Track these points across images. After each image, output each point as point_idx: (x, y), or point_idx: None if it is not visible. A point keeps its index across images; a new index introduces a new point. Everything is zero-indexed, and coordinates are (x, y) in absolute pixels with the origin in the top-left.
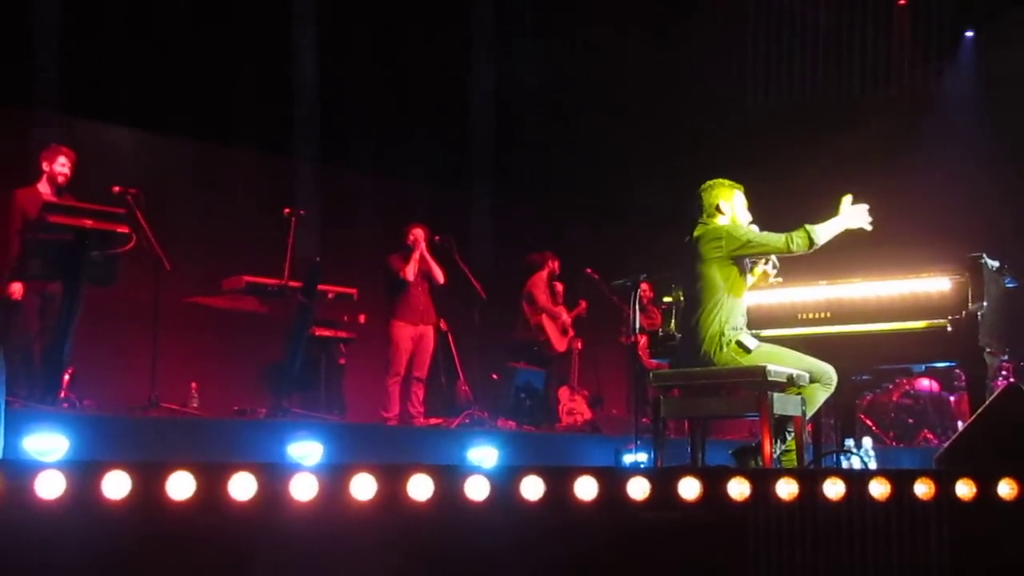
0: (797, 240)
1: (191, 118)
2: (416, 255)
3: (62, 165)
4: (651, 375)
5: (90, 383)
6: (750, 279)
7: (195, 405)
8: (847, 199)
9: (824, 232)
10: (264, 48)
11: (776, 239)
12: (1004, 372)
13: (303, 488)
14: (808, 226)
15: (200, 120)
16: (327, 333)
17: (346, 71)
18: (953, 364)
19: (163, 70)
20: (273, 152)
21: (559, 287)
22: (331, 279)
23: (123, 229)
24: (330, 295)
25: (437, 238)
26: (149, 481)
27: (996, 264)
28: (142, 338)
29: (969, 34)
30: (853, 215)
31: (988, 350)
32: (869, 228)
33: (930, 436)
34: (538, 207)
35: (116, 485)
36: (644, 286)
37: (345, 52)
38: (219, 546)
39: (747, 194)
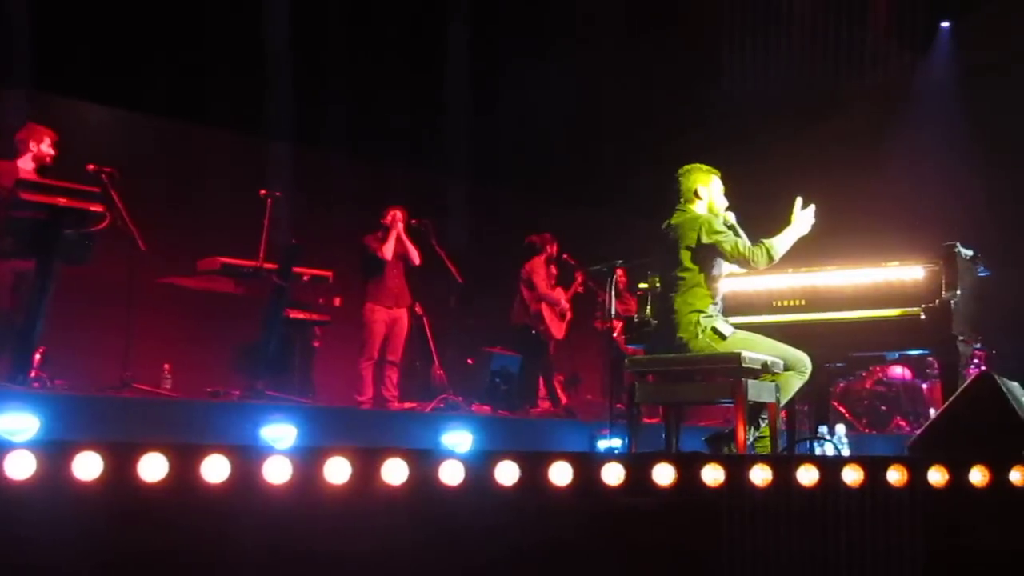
0: (759, 256)
1: (167, 97)
2: (393, 234)
3: (48, 146)
4: (626, 361)
5: (62, 363)
6: (726, 267)
7: (168, 386)
8: (798, 203)
9: (781, 246)
10: (241, 27)
11: (743, 249)
12: (976, 360)
13: (277, 471)
14: (767, 242)
15: (176, 100)
16: (302, 315)
17: (322, 52)
18: (926, 352)
19: (138, 48)
20: (250, 133)
21: (554, 270)
22: (307, 261)
23: (97, 208)
24: (305, 277)
25: (415, 221)
26: (121, 462)
27: (970, 253)
28: (115, 318)
29: (945, 25)
30: (803, 221)
31: (961, 338)
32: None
33: (903, 423)
34: (515, 192)
35: (87, 466)
36: (619, 272)
37: (321, 33)
38: (192, 528)
39: (724, 180)
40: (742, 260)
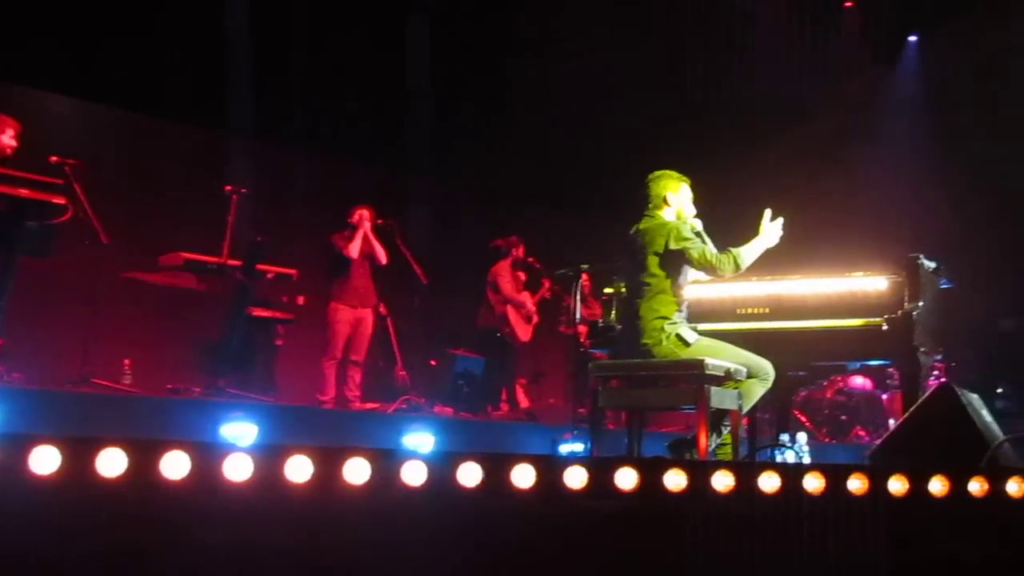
0: (726, 264)
1: (132, 90)
2: (360, 234)
3: (11, 137)
4: (590, 365)
5: (21, 356)
6: (692, 274)
7: (128, 382)
8: (767, 215)
9: (748, 256)
10: (206, 22)
11: (710, 256)
12: (936, 372)
13: (237, 468)
14: (735, 251)
15: (141, 93)
16: (265, 313)
17: (286, 49)
18: (887, 362)
19: (103, 39)
20: (216, 128)
21: (522, 275)
22: (271, 259)
23: (60, 200)
24: (270, 275)
25: (381, 221)
26: (79, 456)
27: (933, 265)
28: (76, 312)
29: (913, 38)
30: (771, 233)
31: (922, 349)
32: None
33: (862, 433)
34: (480, 194)
35: (44, 460)
36: (585, 277)
37: (285, 29)
38: (150, 524)
39: (692, 187)
40: (709, 268)
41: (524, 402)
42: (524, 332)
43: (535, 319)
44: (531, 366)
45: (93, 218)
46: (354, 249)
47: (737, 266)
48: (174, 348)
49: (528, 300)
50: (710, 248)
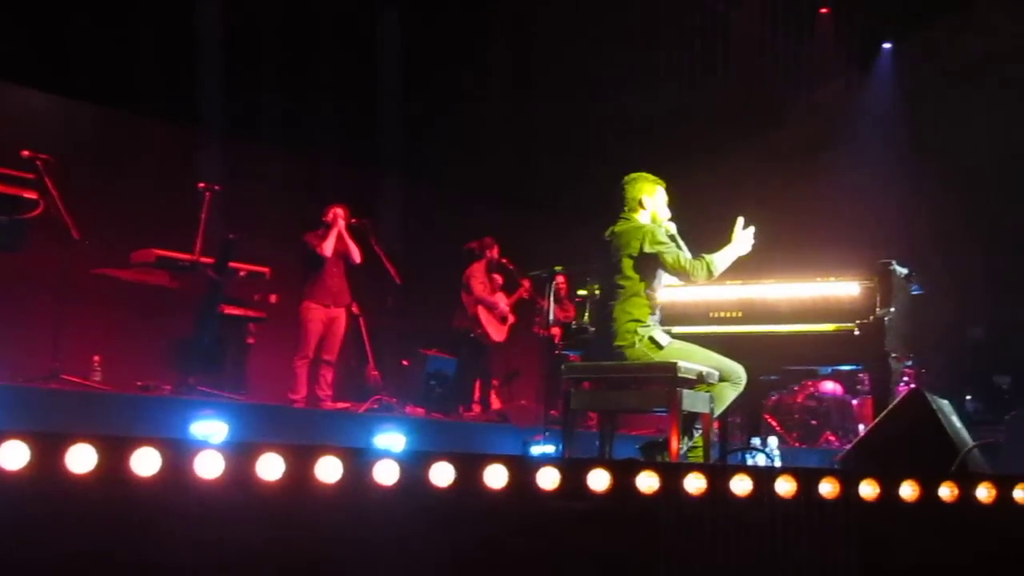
0: (699, 270)
1: (104, 86)
2: (334, 232)
3: None
4: (563, 367)
5: None
6: (666, 278)
7: (97, 379)
8: (739, 223)
9: (721, 263)
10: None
11: (684, 262)
12: (907, 377)
13: (208, 465)
14: (708, 257)
15: (113, 89)
16: (237, 311)
17: (259, 47)
18: (859, 368)
19: (75, 35)
20: (188, 126)
21: (498, 276)
22: (243, 257)
23: (31, 195)
24: (242, 273)
25: (355, 220)
26: (48, 452)
27: (905, 271)
28: (46, 308)
29: (887, 45)
30: (743, 241)
31: (893, 355)
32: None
33: (832, 438)
34: (454, 194)
35: (13, 455)
36: (560, 278)
37: (259, 29)
38: (120, 521)
39: (667, 191)
40: (682, 273)
41: (496, 403)
42: (497, 333)
43: (510, 320)
44: (504, 367)
45: (65, 214)
46: (328, 248)
47: (710, 272)
48: (145, 345)
49: (502, 301)
50: (684, 254)
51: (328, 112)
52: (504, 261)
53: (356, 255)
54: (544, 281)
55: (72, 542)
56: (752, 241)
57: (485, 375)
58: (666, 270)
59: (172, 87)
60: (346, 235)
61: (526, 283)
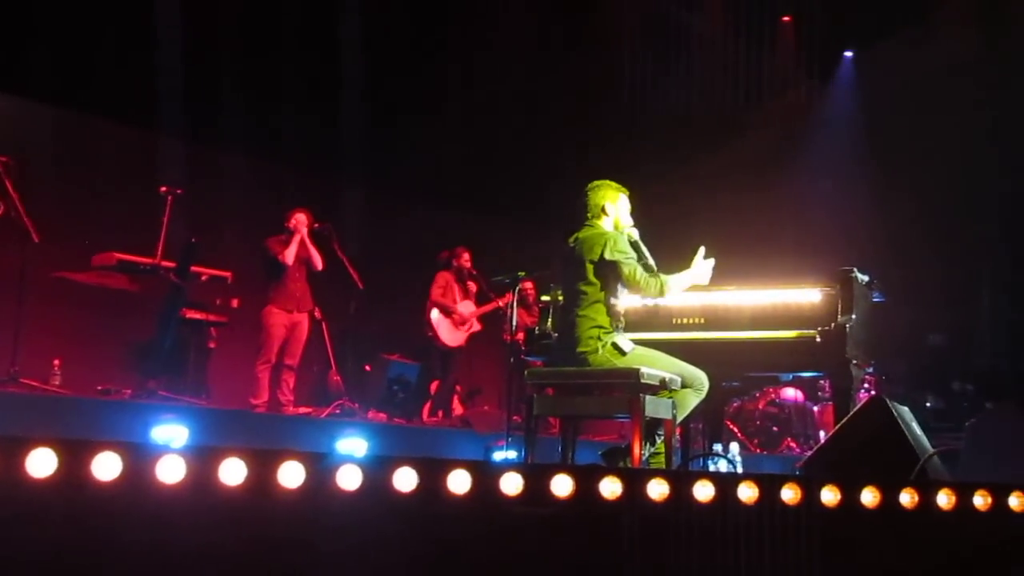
0: (652, 286)
1: (65, 88)
2: (297, 239)
3: None
4: (526, 372)
5: None
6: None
7: (57, 382)
8: (700, 252)
9: (676, 285)
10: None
11: (639, 276)
12: (867, 384)
13: (170, 470)
14: (664, 277)
15: (74, 91)
16: (198, 316)
17: (221, 50)
18: (820, 375)
19: (34, 36)
20: (149, 129)
21: (472, 284)
22: (204, 261)
23: None
24: (204, 277)
25: (317, 225)
26: (8, 456)
27: (866, 278)
28: (5, 311)
29: (848, 54)
30: (701, 270)
31: (854, 362)
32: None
33: (793, 444)
34: (416, 199)
35: None
36: (528, 284)
37: (220, 32)
38: (81, 526)
39: (630, 198)
40: (635, 286)
41: (458, 409)
42: (451, 338)
43: (472, 327)
44: (465, 374)
45: (24, 216)
46: (290, 255)
47: (662, 292)
48: (105, 349)
49: (468, 308)
50: (641, 270)
51: (290, 116)
52: (476, 273)
53: (318, 262)
54: (506, 287)
55: (33, 547)
56: (710, 273)
57: (446, 381)
58: (621, 280)
59: (133, 89)
60: (308, 242)
61: (502, 298)
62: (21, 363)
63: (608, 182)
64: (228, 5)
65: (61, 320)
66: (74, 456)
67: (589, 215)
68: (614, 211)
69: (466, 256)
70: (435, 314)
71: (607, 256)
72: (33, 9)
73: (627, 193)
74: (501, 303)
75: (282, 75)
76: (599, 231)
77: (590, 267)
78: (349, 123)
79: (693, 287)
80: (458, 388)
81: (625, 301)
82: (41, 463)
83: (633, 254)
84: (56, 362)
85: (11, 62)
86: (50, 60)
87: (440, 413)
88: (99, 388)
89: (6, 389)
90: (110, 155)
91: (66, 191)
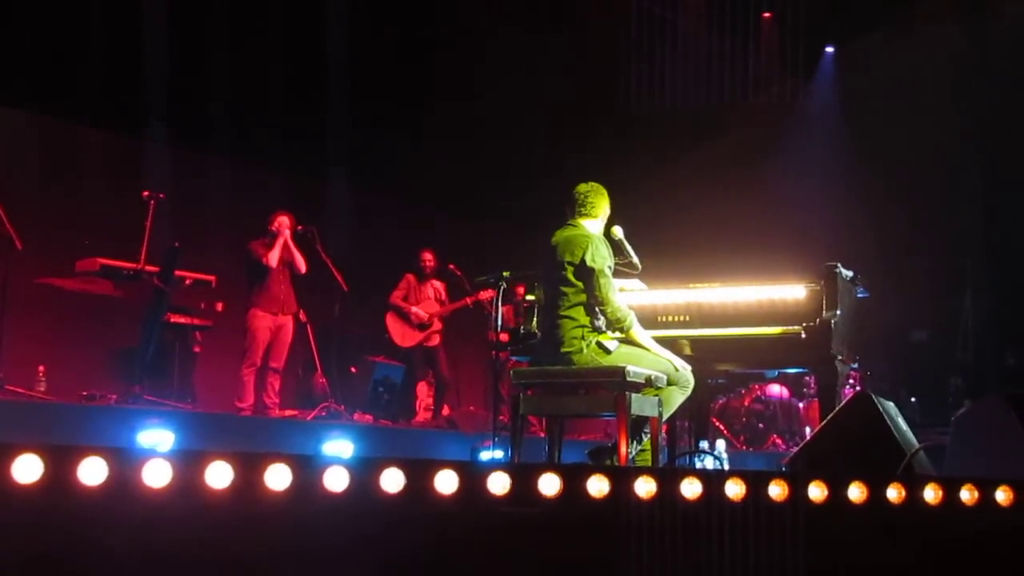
0: (618, 314)
1: (46, 95)
2: (280, 242)
3: None
4: (511, 372)
5: None
6: (616, 282)
7: (42, 389)
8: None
9: (638, 332)
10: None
11: (609, 296)
12: (852, 380)
13: (156, 474)
14: (632, 318)
15: (55, 97)
16: (183, 320)
17: (203, 54)
18: (804, 371)
19: (15, 43)
20: (130, 134)
21: (436, 283)
22: (188, 266)
23: None
24: (188, 281)
25: (300, 227)
26: None
27: (850, 274)
28: None
29: (830, 50)
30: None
31: (839, 358)
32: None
33: (779, 441)
34: (400, 201)
35: None
36: (520, 288)
37: (202, 36)
38: (66, 532)
39: (612, 196)
40: (599, 302)
41: (444, 409)
42: (403, 338)
43: (434, 325)
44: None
45: (7, 223)
46: (273, 258)
47: (621, 324)
48: (89, 355)
49: (431, 309)
50: (613, 292)
51: (273, 119)
52: (451, 267)
53: (301, 265)
54: (491, 286)
55: (19, 552)
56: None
57: (436, 382)
58: (592, 288)
59: (116, 95)
60: (292, 245)
61: (485, 293)
62: (5, 370)
63: (595, 184)
64: (212, 10)
65: (45, 326)
66: (60, 462)
67: (578, 213)
68: (598, 213)
69: (427, 256)
70: (390, 316)
71: (588, 262)
72: (15, 15)
73: (606, 196)
74: (469, 301)
75: (266, 78)
76: (582, 232)
77: (571, 268)
78: (333, 126)
79: (678, 285)
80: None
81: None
82: (27, 469)
83: (611, 264)
84: (41, 368)
85: None
86: (31, 65)
87: (427, 414)
88: (84, 394)
89: None
90: (93, 160)
91: (48, 197)
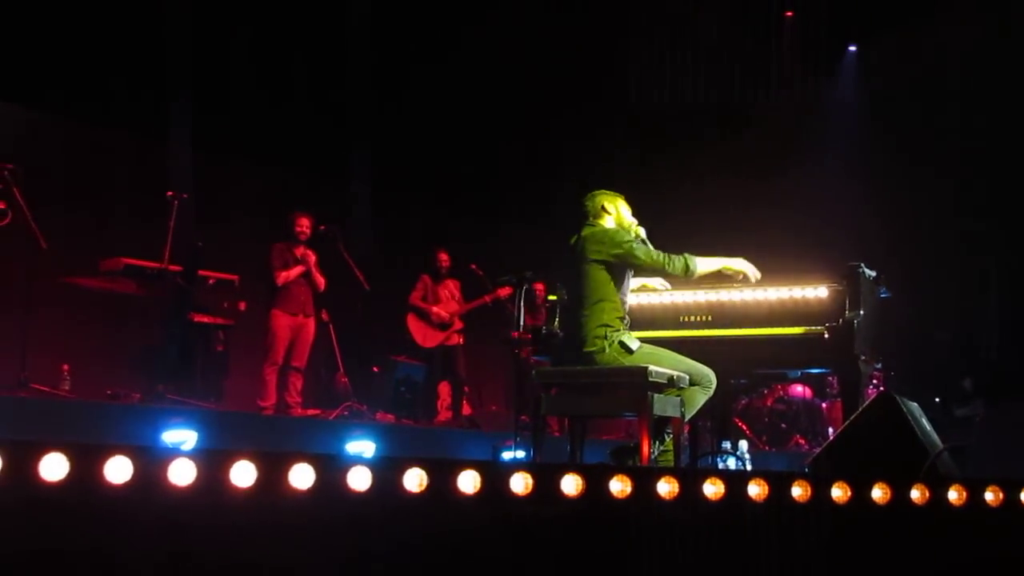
0: (676, 263)
1: (72, 97)
2: (299, 270)
3: None
4: (533, 372)
5: None
6: (635, 281)
7: (66, 387)
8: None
9: (704, 264)
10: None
11: (655, 256)
12: (875, 380)
13: (181, 473)
14: (688, 255)
15: (81, 98)
16: (206, 319)
17: (226, 55)
18: (827, 371)
19: (43, 46)
20: (155, 134)
21: (451, 282)
22: (212, 265)
23: None
24: (211, 281)
25: (322, 227)
26: (21, 461)
27: (873, 274)
28: (14, 317)
29: (852, 48)
30: (739, 261)
31: (862, 358)
32: (753, 279)
33: (802, 441)
34: (423, 201)
35: None
36: (539, 286)
37: (226, 38)
38: (91, 529)
39: (630, 194)
40: (656, 267)
41: (465, 408)
42: (425, 339)
43: (455, 324)
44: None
45: (32, 223)
46: (284, 278)
47: (687, 267)
48: (114, 353)
49: (449, 308)
50: (654, 250)
51: (297, 119)
52: (472, 267)
53: (321, 284)
54: (513, 286)
55: (46, 551)
56: (754, 273)
57: (453, 381)
58: (639, 266)
59: (139, 95)
60: (315, 271)
61: (503, 290)
62: (30, 369)
63: (603, 190)
64: (235, 9)
65: (69, 325)
66: (86, 460)
67: (591, 217)
68: (614, 209)
69: (443, 256)
70: (411, 317)
71: (613, 251)
72: (42, 20)
73: (623, 198)
74: (488, 298)
75: (288, 77)
76: (602, 229)
77: (594, 266)
78: (355, 125)
79: (701, 285)
80: (466, 388)
81: (631, 299)
82: (53, 467)
83: (636, 237)
84: (65, 367)
85: (17, 71)
86: (57, 68)
87: (447, 414)
88: (108, 392)
89: (16, 395)
90: (117, 160)
91: (73, 197)
